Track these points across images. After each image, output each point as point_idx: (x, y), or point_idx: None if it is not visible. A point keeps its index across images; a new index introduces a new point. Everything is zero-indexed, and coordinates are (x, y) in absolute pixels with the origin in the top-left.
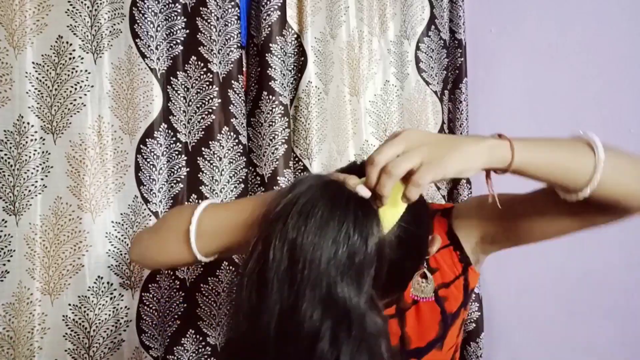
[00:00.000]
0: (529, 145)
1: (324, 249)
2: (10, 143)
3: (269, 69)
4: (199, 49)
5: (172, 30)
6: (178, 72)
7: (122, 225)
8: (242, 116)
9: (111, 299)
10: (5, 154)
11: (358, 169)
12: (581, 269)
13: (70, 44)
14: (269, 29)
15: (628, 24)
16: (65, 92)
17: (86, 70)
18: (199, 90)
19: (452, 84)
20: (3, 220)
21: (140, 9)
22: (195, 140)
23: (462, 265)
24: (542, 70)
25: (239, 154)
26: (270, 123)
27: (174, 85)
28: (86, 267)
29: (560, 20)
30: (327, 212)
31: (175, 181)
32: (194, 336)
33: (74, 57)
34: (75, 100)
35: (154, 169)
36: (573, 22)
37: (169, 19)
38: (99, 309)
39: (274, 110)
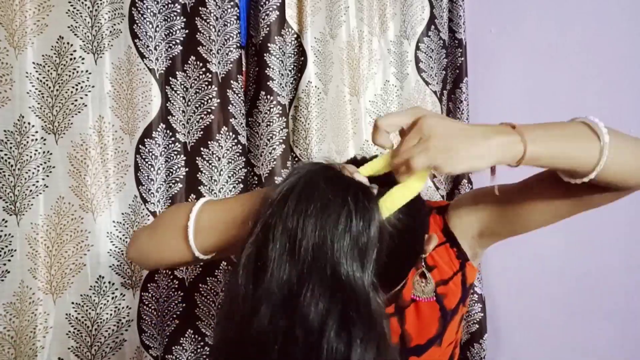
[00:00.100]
0: (539, 137)
1: (327, 232)
2: (11, 143)
3: (267, 68)
4: (198, 49)
5: (171, 31)
6: (177, 72)
7: (123, 224)
8: (241, 116)
9: (113, 298)
10: (6, 154)
11: (358, 164)
12: (581, 270)
13: (71, 45)
14: (268, 28)
15: (628, 24)
16: (66, 92)
17: (87, 71)
18: (198, 90)
19: (452, 83)
20: (4, 220)
21: (139, 9)
22: (194, 140)
23: (459, 262)
24: (542, 70)
25: (237, 154)
26: (268, 123)
27: (173, 85)
28: (88, 266)
29: (560, 20)
30: (328, 195)
31: (174, 181)
32: (192, 336)
33: (74, 58)
34: (76, 100)
35: (152, 169)
36: (573, 22)
37: (168, 19)
38: (101, 308)
39: (271, 110)
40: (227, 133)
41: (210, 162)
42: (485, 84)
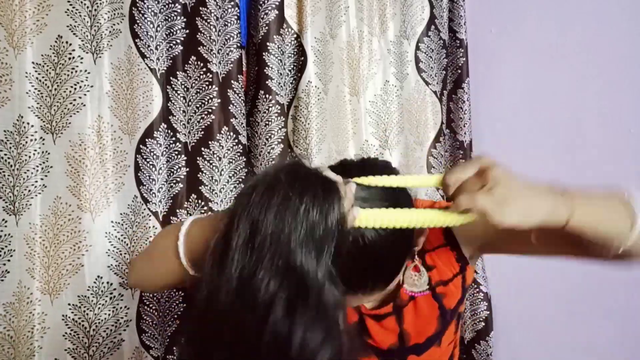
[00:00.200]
0: (585, 210)
1: (285, 222)
2: (10, 143)
3: (266, 68)
4: (199, 49)
5: (171, 30)
6: (178, 72)
7: (122, 225)
8: (241, 116)
9: (111, 298)
10: (5, 154)
11: (349, 166)
12: (581, 269)
13: (70, 44)
14: (267, 27)
15: (628, 24)
16: (65, 92)
17: (86, 70)
18: (198, 90)
19: (453, 84)
20: (3, 220)
21: (140, 9)
22: (195, 140)
23: (459, 265)
24: (543, 70)
25: (238, 153)
26: (267, 122)
27: (173, 85)
28: (86, 266)
29: (560, 20)
30: (290, 188)
31: (174, 181)
32: None
33: (73, 57)
34: (74, 100)
35: (153, 169)
36: (573, 22)
37: (169, 19)
38: (99, 308)
39: (270, 109)
40: (228, 133)
41: (211, 162)
42: (486, 84)
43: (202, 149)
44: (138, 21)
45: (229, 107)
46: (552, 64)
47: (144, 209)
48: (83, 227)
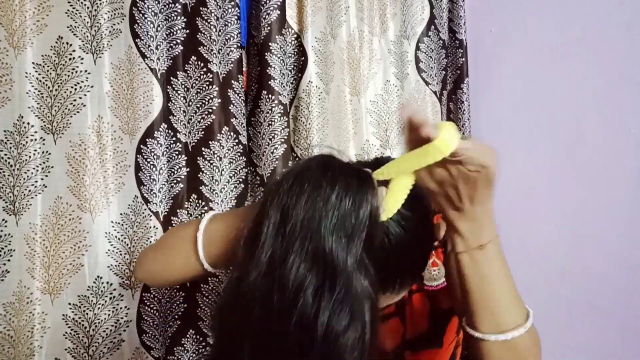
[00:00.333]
0: (501, 259)
1: (316, 208)
2: (10, 143)
3: (269, 68)
4: (199, 49)
5: (172, 30)
6: (178, 72)
7: (122, 225)
8: (242, 116)
9: (111, 298)
10: (5, 154)
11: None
12: (581, 269)
13: (70, 45)
14: (269, 28)
15: (628, 24)
16: (65, 92)
17: (86, 71)
18: (199, 90)
19: (453, 84)
20: (3, 220)
21: (140, 9)
22: (195, 140)
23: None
24: (542, 70)
25: (239, 154)
26: (270, 122)
27: (174, 85)
28: (86, 266)
29: (560, 20)
30: (322, 176)
31: (175, 181)
32: (194, 336)
33: (74, 58)
34: (75, 100)
35: (154, 169)
36: (573, 22)
37: (169, 19)
38: (99, 308)
39: (273, 109)
40: (228, 133)
41: (211, 162)
42: (486, 84)
43: (203, 149)
44: (138, 21)
45: (229, 107)
46: (552, 64)
47: (145, 209)
48: (83, 227)
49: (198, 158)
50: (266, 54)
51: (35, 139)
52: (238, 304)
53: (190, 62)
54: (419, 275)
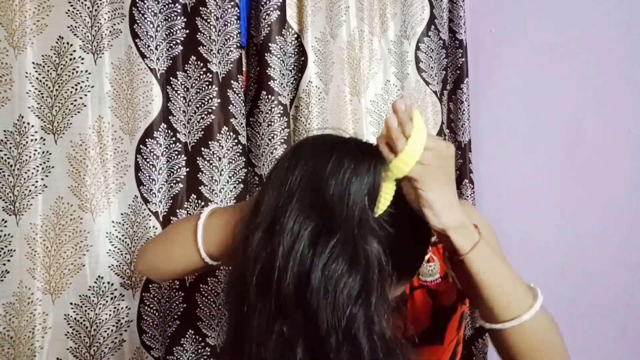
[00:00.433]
0: (490, 254)
1: (317, 168)
2: (10, 143)
3: (268, 68)
4: (199, 49)
5: (171, 30)
6: (178, 72)
7: (123, 225)
8: (241, 116)
9: (112, 299)
10: (6, 154)
11: None
12: (581, 269)
13: (71, 45)
14: (269, 28)
15: (628, 24)
16: (65, 92)
17: (86, 71)
18: (198, 90)
19: (453, 84)
20: (3, 220)
21: (140, 9)
22: (195, 140)
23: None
24: (542, 70)
25: (238, 154)
26: (269, 123)
27: (173, 85)
28: (87, 266)
29: (560, 20)
30: (321, 147)
31: (174, 181)
32: (193, 336)
33: (74, 58)
34: (75, 100)
35: (153, 169)
36: (573, 22)
37: (169, 19)
38: (100, 308)
39: (272, 110)
40: (228, 133)
41: (211, 162)
42: (486, 84)
43: (202, 149)
44: (138, 21)
45: (229, 107)
46: (552, 64)
47: (144, 209)
48: (84, 227)
49: (197, 158)
50: (266, 54)
51: (36, 139)
52: (245, 268)
53: (189, 62)
54: (415, 269)
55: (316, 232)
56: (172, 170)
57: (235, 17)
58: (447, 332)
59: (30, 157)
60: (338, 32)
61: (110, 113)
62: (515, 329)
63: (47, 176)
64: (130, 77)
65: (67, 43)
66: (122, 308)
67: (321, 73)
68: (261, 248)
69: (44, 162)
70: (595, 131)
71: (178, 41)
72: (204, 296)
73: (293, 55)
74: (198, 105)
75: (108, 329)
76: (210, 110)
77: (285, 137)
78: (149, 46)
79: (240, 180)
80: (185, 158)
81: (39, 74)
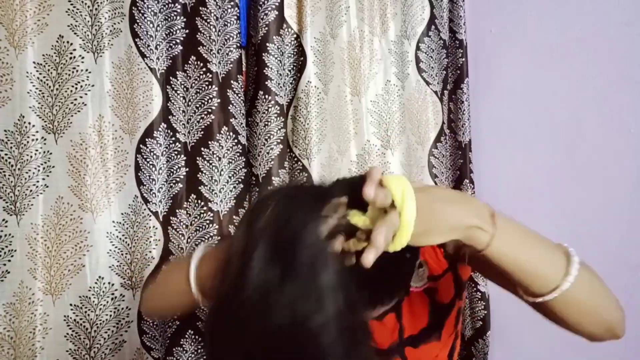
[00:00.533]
0: (511, 238)
1: (284, 212)
2: (11, 143)
3: (266, 68)
4: (199, 48)
5: (171, 30)
6: (177, 72)
7: (123, 225)
8: (241, 116)
9: (112, 299)
10: (6, 154)
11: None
12: None
13: (71, 44)
14: (266, 28)
15: (628, 24)
16: (66, 91)
17: (87, 70)
18: (198, 90)
19: (453, 84)
20: (4, 220)
21: (140, 8)
22: (195, 140)
23: (447, 262)
24: (542, 70)
25: (238, 154)
26: (266, 123)
27: (173, 85)
28: (87, 267)
29: (560, 20)
30: (291, 195)
31: (174, 181)
32: (192, 337)
33: (74, 57)
34: (76, 99)
35: (153, 169)
36: (573, 22)
37: (169, 19)
38: (100, 309)
39: (269, 110)
40: (228, 133)
41: (210, 162)
42: (486, 84)
43: (202, 149)
44: (138, 21)
45: (229, 107)
46: (552, 64)
47: (144, 209)
48: (84, 227)
49: (197, 158)
50: (263, 54)
51: (37, 139)
52: (218, 308)
53: (189, 62)
54: (407, 282)
55: (280, 274)
56: (172, 170)
57: (235, 17)
58: (444, 328)
59: (31, 157)
60: (338, 32)
61: (111, 112)
62: (558, 298)
63: (47, 176)
64: (130, 77)
65: (68, 42)
66: (122, 309)
67: (320, 73)
68: (230, 289)
69: (45, 162)
70: (595, 131)
71: (178, 41)
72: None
73: (292, 56)
74: (198, 105)
75: (109, 329)
76: (210, 110)
77: (282, 137)
78: (148, 46)
79: (240, 180)
80: (185, 158)
81: (40, 74)
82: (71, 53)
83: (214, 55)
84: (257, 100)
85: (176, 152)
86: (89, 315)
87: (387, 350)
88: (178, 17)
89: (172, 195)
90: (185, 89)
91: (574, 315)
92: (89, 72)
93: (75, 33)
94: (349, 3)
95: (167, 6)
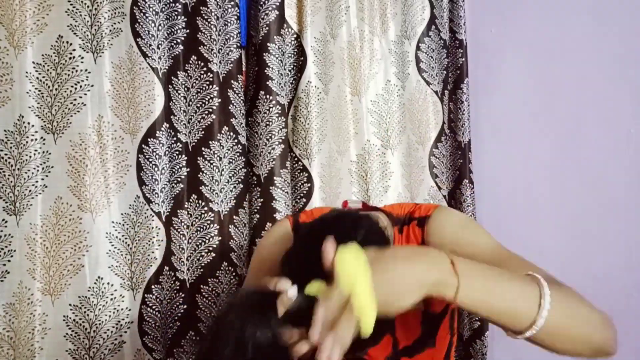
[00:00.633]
0: (477, 285)
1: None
2: (11, 143)
3: (267, 68)
4: (200, 48)
5: (172, 30)
6: (179, 72)
7: (123, 225)
8: (241, 116)
9: (112, 299)
10: (6, 154)
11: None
12: (581, 269)
13: (71, 44)
14: (267, 28)
15: (628, 23)
16: (65, 91)
17: (86, 70)
18: (199, 90)
19: (453, 84)
20: (3, 220)
21: (141, 8)
22: (196, 140)
23: None
24: (542, 70)
25: (238, 153)
26: (267, 123)
27: (174, 85)
28: (86, 267)
29: (560, 20)
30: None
31: (176, 181)
32: (193, 338)
33: (74, 57)
34: (75, 100)
35: (156, 169)
36: (573, 21)
37: (170, 18)
38: (99, 309)
39: (270, 109)
40: (228, 133)
41: (211, 162)
42: (486, 84)
43: (203, 148)
44: (139, 20)
45: (229, 107)
46: (552, 64)
47: (147, 209)
48: (84, 227)
49: (198, 158)
50: (264, 54)
51: (36, 139)
52: None
53: (190, 61)
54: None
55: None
56: (174, 170)
57: (235, 16)
58: (438, 334)
59: (30, 157)
60: (338, 32)
61: (110, 112)
62: (539, 332)
63: (47, 176)
64: (131, 77)
65: (67, 42)
66: (122, 309)
67: (320, 73)
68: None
69: (44, 162)
70: (595, 131)
71: (179, 40)
72: (204, 297)
73: (292, 56)
74: (199, 105)
75: (108, 330)
76: (210, 110)
77: (283, 137)
78: (150, 45)
79: (240, 180)
80: (185, 158)
81: (39, 74)
82: (71, 53)
83: (214, 55)
84: (258, 100)
85: (177, 152)
86: (88, 315)
87: None
88: (179, 17)
89: (174, 195)
90: (186, 88)
91: (559, 344)
92: (89, 72)
93: (74, 33)
94: (349, 3)
95: (168, 6)
